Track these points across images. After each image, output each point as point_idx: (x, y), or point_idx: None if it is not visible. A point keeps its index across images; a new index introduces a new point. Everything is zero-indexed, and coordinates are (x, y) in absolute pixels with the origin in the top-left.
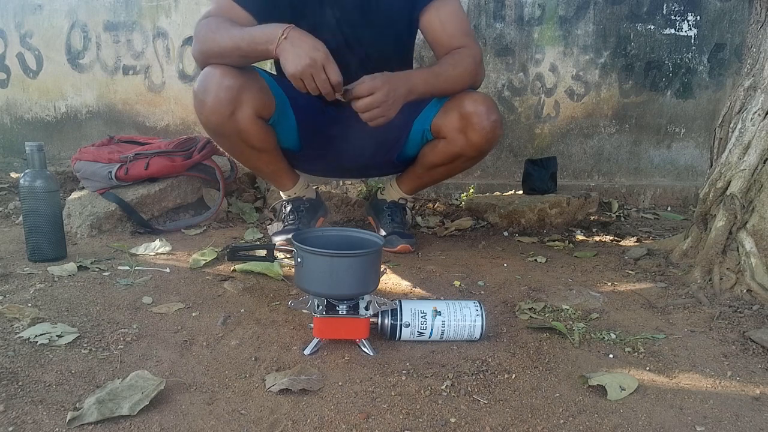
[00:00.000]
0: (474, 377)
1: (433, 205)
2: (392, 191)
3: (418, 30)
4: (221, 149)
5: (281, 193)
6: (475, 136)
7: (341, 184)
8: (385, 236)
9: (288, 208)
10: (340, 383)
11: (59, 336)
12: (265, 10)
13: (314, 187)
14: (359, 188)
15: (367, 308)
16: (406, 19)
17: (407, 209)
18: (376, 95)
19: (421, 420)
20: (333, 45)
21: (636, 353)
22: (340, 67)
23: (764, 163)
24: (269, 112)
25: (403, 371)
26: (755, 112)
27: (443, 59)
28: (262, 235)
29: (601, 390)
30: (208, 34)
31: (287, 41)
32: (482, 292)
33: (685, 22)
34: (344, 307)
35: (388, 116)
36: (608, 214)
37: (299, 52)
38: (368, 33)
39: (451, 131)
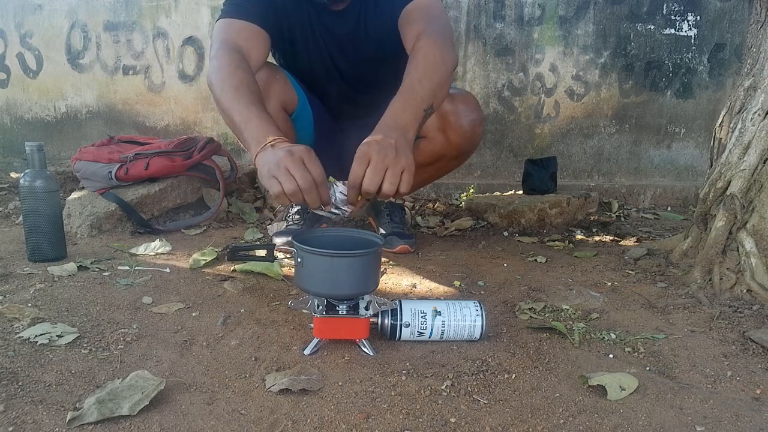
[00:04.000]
0: (474, 377)
1: (433, 205)
2: None
3: None
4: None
5: None
6: (453, 136)
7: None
8: (384, 236)
9: (295, 209)
10: (340, 383)
11: (59, 336)
12: (274, 31)
13: None
14: None
15: (367, 308)
16: (395, 37)
17: (406, 209)
18: (372, 164)
19: (421, 420)
20: (324, 74)
21: (636, 353)
22: (336, 93)
23: (764, 163)
24: (293, 106)
25: (403, 371)
26: (755, 112)
27: (407, 68)
28: (262, 235)
29: (601, 390)
30: (215, 83)
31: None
32: (482, 292)
33: (685, 22)
34: (344, 307)
35: (408, 167)
36: (608, 214)
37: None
38: (361, 62)
39: (430, 130)
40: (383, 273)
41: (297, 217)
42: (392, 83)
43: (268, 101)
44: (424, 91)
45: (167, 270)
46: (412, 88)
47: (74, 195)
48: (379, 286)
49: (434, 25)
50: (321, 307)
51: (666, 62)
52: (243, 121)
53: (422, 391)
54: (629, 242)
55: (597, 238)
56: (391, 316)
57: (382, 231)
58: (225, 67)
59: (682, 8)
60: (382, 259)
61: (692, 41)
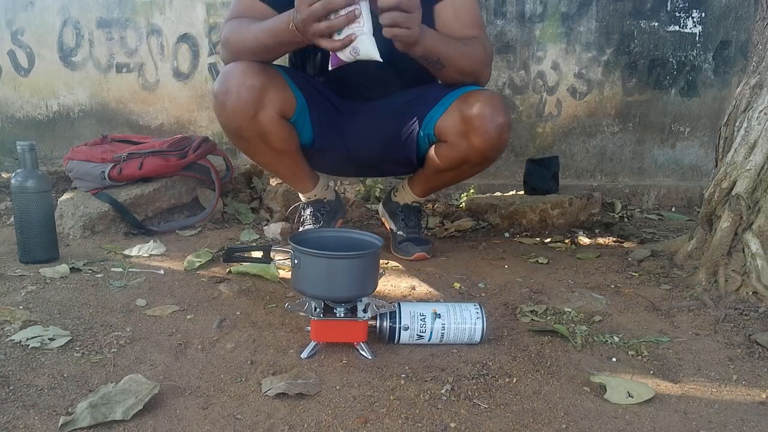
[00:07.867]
0: (474, 381)
1: (433, 206)
2: (405, 194)
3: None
4: (242, 152)
5: (300, 195)
6: (478, 141)
7: (339, 184)
8: (398, 242)
9: (308, 211)
10: (337, 387)
11: (51, 339)
12: (287, 4)
13: (333, 188)
14: (358, 188)
15: (365, 311)
16: (425, 11)
17: (423, 212)
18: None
19: (420, 425)
20: None
21: (640, 356)
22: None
23: None
24: (291, 110)
25: (402, 375)
26: (761, 111)
27: (462, 40)
28: (258, 236)
29: (605, 393)
30: (232, 37)
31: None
32: (483, 295)
33: (690, 18)
34: (342, 309)
35: (414, 33)
36: (611, 214)
37: None
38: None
39: (453, 135)
40: (382, 275)
41: (311, 219)
42: (411, 61)
43: (263, 110)
44: (454, 50)
45: (161, 272)
46: (449, 40)
47: (66, 195)
48: (378, 288)
49: (488, 40)
50: (318, 310)
51: (670, 60)
52: (270, 24)
53: (421, 396)
54: (632, 243)
55: (600, 240)
56: (390, 319)
57: (400, 233)
58: (235, 24)
59: (687, 5)
60: (381, 261)
61: (697, 38)
